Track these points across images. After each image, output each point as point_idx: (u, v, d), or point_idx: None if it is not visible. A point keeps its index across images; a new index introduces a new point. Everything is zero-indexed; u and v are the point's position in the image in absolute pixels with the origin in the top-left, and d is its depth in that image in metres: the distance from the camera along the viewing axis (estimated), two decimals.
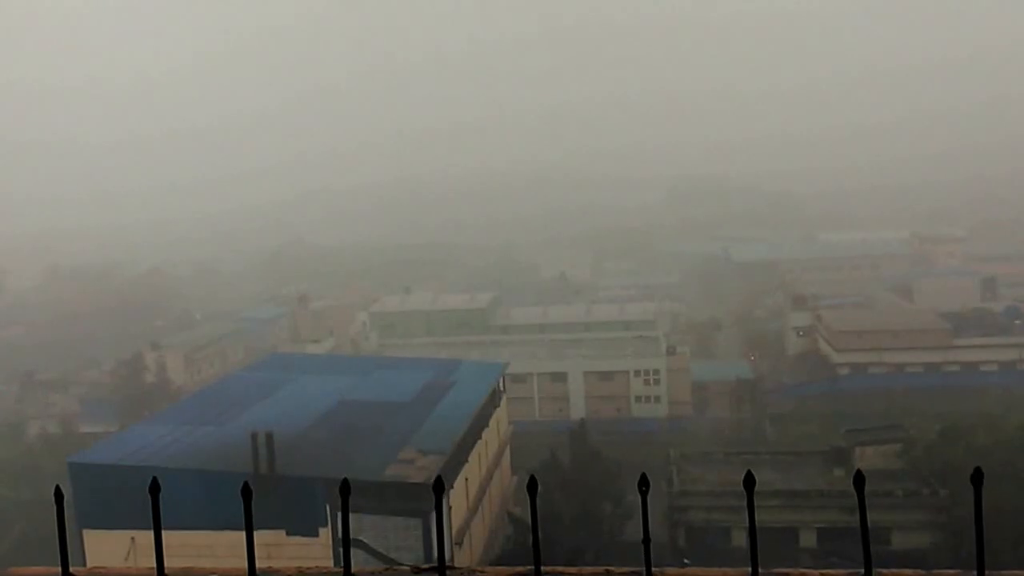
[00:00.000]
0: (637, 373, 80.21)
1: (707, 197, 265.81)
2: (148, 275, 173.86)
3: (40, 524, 55.49)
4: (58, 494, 3.27)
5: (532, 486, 3.13)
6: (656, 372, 79.73)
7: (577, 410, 77.70)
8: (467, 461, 42.70)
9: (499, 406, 54.47)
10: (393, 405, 47.28)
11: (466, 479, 42.12)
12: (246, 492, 3.06)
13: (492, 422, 51.33)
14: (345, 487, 3.06)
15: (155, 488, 3.23)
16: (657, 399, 79.48)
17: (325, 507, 34.99)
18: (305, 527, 34.68)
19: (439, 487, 3.06)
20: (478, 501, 44.67)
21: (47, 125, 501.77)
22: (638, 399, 79.98)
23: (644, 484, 3.12)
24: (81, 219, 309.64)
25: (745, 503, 3.12)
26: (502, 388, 57.43)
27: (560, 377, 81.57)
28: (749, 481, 3.06)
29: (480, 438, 46.84)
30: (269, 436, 35.90)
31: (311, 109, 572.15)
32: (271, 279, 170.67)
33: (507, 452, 55.96)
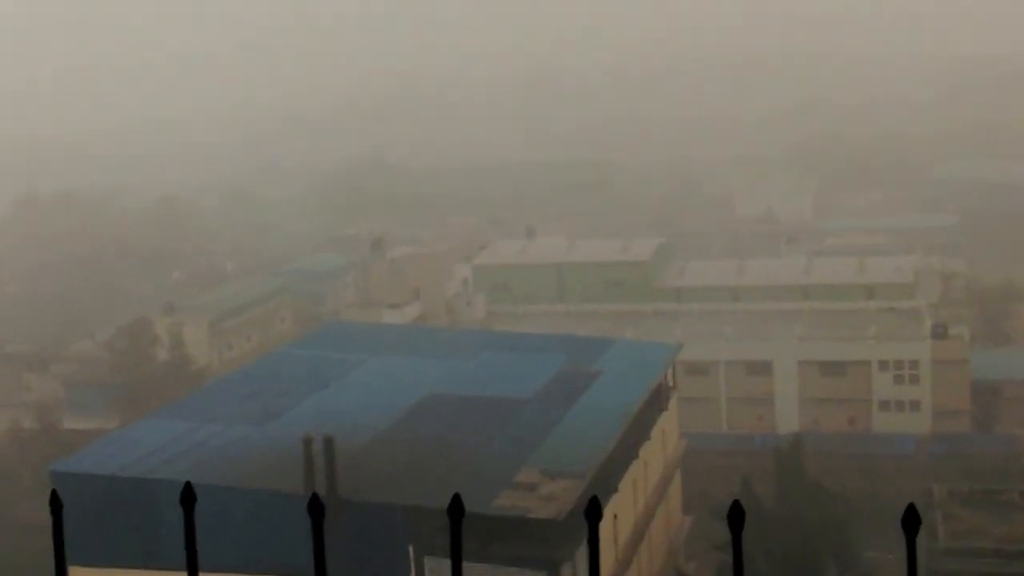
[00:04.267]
0: (884, 365, 79.00)
1: (999, 92, 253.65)
2: (160, 206, 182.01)
3: (9, 555, 59.82)
4: (55, 502, 3.46)
5: (735, 513, 3.06)
6: (914, 364, 78.21)
7: (787, 419, 77.28)
8: (617, 490, 42.88)
9: (666, 410, 54.30)
10: (508, 403, 47.88)
11: (615, 516, 42.36)
12: (315, 507, 3.11)
13: (656, 433, 51.23)
14: (457, 507, 3.07)
15: (188, 497, 3.33)
16: (915, 406, 78.01)
17: (407, 548, 35.96)
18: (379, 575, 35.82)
19: (594, 512, 3.03)
20: (632, 550, 44.86)
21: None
22: (884, 405, 78.92)
23: (913, 519, 3.00)
24: (68, 123, 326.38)
25: None
26: (671, 382, 57.16)
27: (762, 368, 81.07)
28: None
29: (637, 457, 46.87)
30: (329, 442, 37.09)
31: None
32: (331, 214, 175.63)
33: (677, 479, 55.85)
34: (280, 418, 45.71)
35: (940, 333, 79.27)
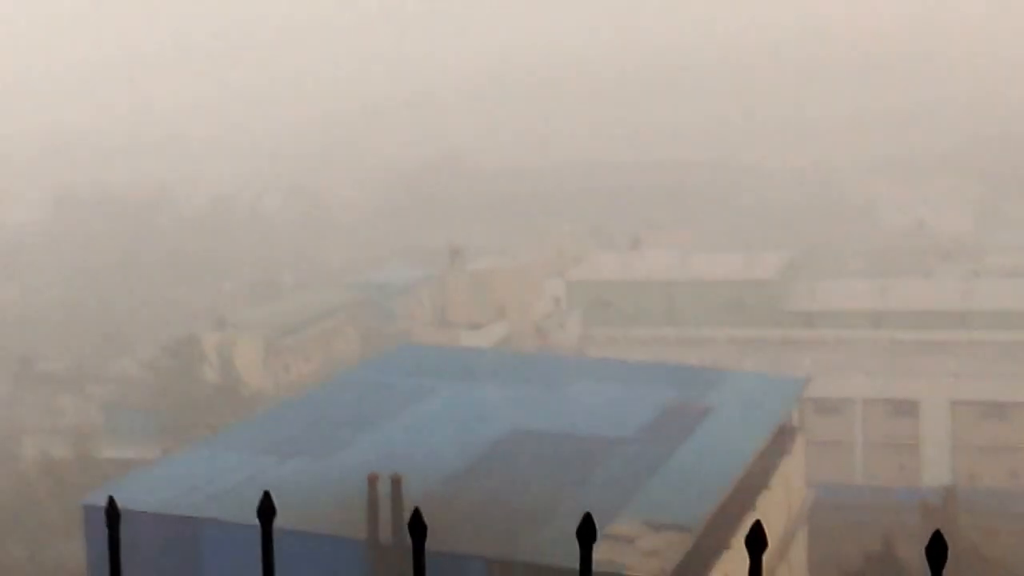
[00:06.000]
0: None
1: None
2: (212, 208, 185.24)
3: None
4: (112, 512, 3.59)
5: None
6: None
7: (937, 470, 76.27)
8: (730, 547, 42.50)
9: (790, 454, 53.70)
10: (604, 442, 47.73)
11: None
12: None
13: (777, 482, 50.68)
14: (588, 528, 3.14)
15: (267, 510, 3.42)
16: None
17: None
18: None
19: (758, 540, 3.04)
20: None
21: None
22: None
23: None
24: (108, 122, 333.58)
25: None
26: (798, 422, 56.54)
27: (907, 408, 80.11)
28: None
29: (754, 509, 46.41)
30: (396, 482, 37.32)
31: None
32: (404, 220, 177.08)
33: (802, 537, 55.18)
34: (342, 452, 46.11)
35: None
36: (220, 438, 52.34)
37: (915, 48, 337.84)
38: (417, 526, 3.47)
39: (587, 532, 3.59)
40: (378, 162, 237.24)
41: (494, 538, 38.26)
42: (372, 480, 37.47)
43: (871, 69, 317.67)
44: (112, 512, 3.61)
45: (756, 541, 3.40)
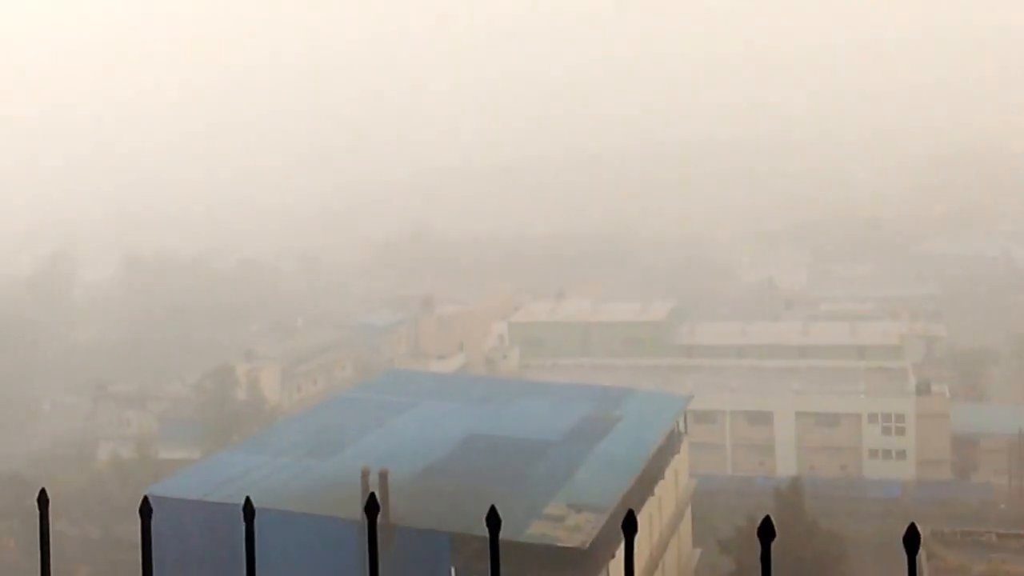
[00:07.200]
0: (873, 418, 78.45)
1: (981, 179, 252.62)
2: (240, 268, 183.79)
3: (108, 569, 59.96)
4: (248, 509, 3.47)
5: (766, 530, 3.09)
6: (900, 418, 77.55)
7: (785, 464, 76.69)
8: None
9: (678, 453, 53.87)
10: (538, 444, 47.65)
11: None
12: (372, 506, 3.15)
13: (669, 473, 50.80)
14: (494, 519, 3.08)
15: (374, 506, 3.33)
16: (901, 455, 77.23)
17: (449, 570, 35.71)
18: None
19: (630, 526, 3.02)
20: None
21: (117, 96, 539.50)
22: (873, 454, 78.25)
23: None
24: (163, 200, 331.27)
25: None
26: (683, 429, 56.77)
27: (763, 418, 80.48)
28: (765, 530, 3.14)
29: (653, 494, 46.47)
30: (383, 475, 37.05)
31: (438, 65, 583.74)
32: (388, 277, 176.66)
33: (688, 515, 55.25)
34: (341, 453, 45.73)
35: (923, 390, 78.45)
36: (248, 443, 51.74)
37: (762, 147, 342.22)
38: (493, 519, 3.35)
39: (629, 525, 3.41)
40: (369, 232, 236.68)
41: (456, 517, 38.01)
42: (364, 474, 37.23)
43: (731, 161, 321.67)
44: (248, 509, 3.49)
45: (767, 532, 3.31)
